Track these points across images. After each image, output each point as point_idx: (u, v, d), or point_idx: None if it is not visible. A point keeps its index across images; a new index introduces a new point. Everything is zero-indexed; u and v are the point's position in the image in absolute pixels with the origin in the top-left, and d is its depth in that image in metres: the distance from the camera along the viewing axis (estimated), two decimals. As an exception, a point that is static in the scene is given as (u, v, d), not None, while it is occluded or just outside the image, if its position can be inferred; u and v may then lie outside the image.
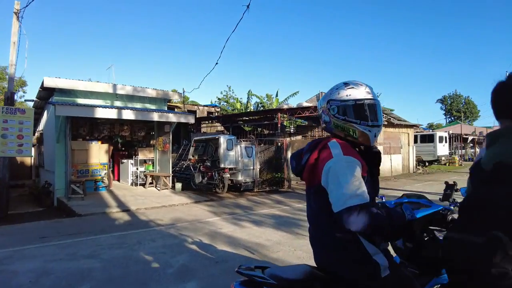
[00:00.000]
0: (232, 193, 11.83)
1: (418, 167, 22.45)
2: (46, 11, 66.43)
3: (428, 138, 24.73)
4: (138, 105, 11.67)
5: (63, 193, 9.90)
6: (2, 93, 29.65)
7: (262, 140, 13.38)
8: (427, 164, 24.52)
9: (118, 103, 11.21)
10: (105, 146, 11.47)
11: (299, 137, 21.41)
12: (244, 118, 22.92)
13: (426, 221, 2.09)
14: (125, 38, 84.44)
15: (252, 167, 11.76)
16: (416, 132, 26.96)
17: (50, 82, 9.47)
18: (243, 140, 12.44)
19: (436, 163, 25.25)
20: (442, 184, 10.74)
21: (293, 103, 23.47)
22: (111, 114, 9.70)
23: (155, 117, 10.67)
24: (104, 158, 11.48)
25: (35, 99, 11.46)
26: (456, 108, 70.91)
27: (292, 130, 22.90)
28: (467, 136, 34.00)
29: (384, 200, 2.35)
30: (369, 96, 1.74)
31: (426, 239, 2.15)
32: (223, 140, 11.05)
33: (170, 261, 4.71)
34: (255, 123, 21.38)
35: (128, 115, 10.06)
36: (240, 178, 11.48)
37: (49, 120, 10.86)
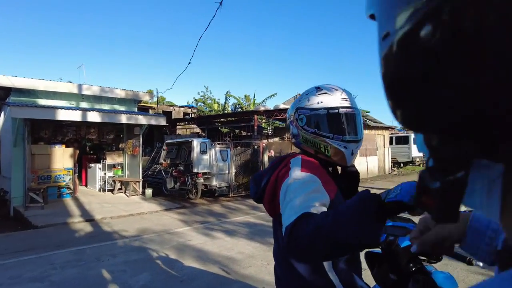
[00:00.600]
0: (206, 198, 11.36)
1: (393, 168, 22.70)
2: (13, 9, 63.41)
3: (403, 140, 25.10)
4: (106, 107, 11.01)
5: (20, 201, 9.12)
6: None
7: (239, 143, 12.98)
8: (402, 165, 24.87)
9: (84, 104, 10.51)
10: (70, 150, 10.71)
11: (276, 139, 21.18)
12: (222, 119, 22.47)
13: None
14: (102, 37, 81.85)
15: (227, 171, 11.33)
16: (392, 134, 27.37)
17: (5, 81, 8.69)
18: (218, 143, 11.97)
19: (411, 164, 25.67)
20: None
21: (270, 104, 23.27)
22: (75, 116, 9.03)
23: (123, 119, 10.06)
24: (69, 163, 10.73)
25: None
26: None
27: (270, 132, 22.65)
28: (439, 138, 34.84)
29: None
30: (346, 104, 1.38)
31: (413, 269, 1.83)
32: (196, 143, 10.56)
33: (129, 282, 4.23)
34: (232, 125, 20.98)
35: (93, 117, 9.40)
36: (214, 183, 11.02)
37: (6, 122, 10.04)
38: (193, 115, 27.84)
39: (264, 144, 12.50)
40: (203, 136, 20.98)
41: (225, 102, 31.01)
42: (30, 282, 4.29)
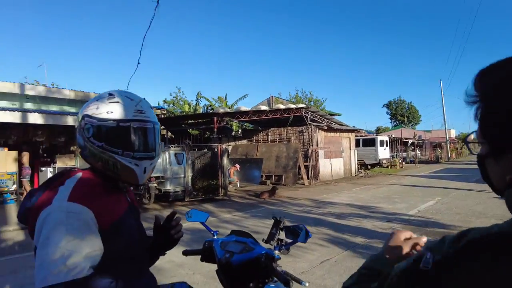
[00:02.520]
0: (161, 203, 11.09)
1: (360, 170, 23.09)
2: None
3: (370, 142, 25.62)
4: (55, 108, 10.57)
5: (-45, 208, 8.59)
6: None
7: (198, 145, 12.77)
8: (369, 167, 25.36)
9: (29, 105, 10.04)
10: (13, 153, 10.19)
11: (244, 141, 21.11)
12: (191, 121, 22.16)
13: (250, 270, 1.66)
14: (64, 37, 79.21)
15: (183, 175, 11.10)
16: (361, 136, 27.87)
17: None
18: (172, 146, 11.71)
19: (378, 166, 26.21)
20: (379, 188, 10.61)
21: (245, 106, 23.15)
22: (13, 118, 8.58)
23: (70, 121, 9.67)
24: (13, 167, 10.20)
25: None
26: (400, 113, 75.28)
27: (240, 134, 22.55)
28: (407, 140, 35.88)
29: (215, 236, 1.90)
30: (140, 116, 1.23)
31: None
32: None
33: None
34: (200, 126, 20.71)
35: (35, 119, 8.97)
36: (168, 187, 10.77)
37: None
38: (162, 117, 27.32)
39: (223, 147, 12.34)
40: (170, 139, 20.62)
41: (196, 104, 30.65)
42: None
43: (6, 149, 10.05)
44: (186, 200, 11.19)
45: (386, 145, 26.78)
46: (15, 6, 69.30)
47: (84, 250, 1.02)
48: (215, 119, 13.66)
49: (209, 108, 29.94)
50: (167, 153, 10.80)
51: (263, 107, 15.37)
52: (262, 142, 19.61)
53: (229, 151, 19.41)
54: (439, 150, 40.92)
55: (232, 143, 20.19)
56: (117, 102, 1.24)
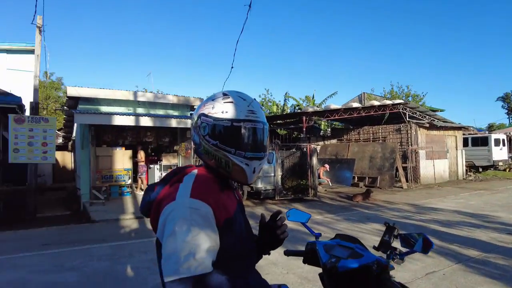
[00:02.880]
0: (253, 200, 11.47)
1: (469, 173, 20.35)
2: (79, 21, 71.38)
3: (481, 141, 22.30)
4: (161, 112, 11.79)
5: (87, 198, 10.24)
6: (58, 102, 32.21)
7: (286, 145, 12.85)
8: (480, 170, 22.15)
9: (140, 110, 11.41)
10: (129, 152, 11.72)
11: (334, 141, 20.53)
12: (278, 121, 22.49)
13: (359, 277, 1.55)
14: (167, 46, 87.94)
15: (273, 174, 11.28)
16: (469, 134, 24.55)
17: (73, 92, 9.85)
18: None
19: (492, 168, 22.72)
20: (494, 194, 9.38)
21: (335, 104, 22.56)
22: (129, 121, 9.85)
23: (173, 123, 10.66)
24: (128, 164, 11.74)
25: (65, 108, 12.06)
26: (522, 107, 64.04)
27: (328, 133, 22.00)
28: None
29: (319, 239, 1.84)
30: (252, 117, 1.25)
31: None
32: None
33: (147, 279, 4.48)
34: (289, 126, 20.85)
35: (146, 122, 10.15)
36: (259, 185, 11.07)
37: (76, 127, 11.37)
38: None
39: (312, 147, 12.15)
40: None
41: (284, 104, 30.97)
42: (67, 271, 4.80)
43: (123, 149, 11.62)
44: (276, 198, 11.35)
45: (503, 145, 22.99)
46: (129, 22, 79.98)
47: (207, 245, 1.05)
48: (304, 118, 13.52)
49: (297, 107, 29.93)
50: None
51: (355, 105, 14.65)
52: (354, 141, 18.76)
53: (318, 151, 19.10)
54: None
55: (321, 143, 19.81)
56: (231, 102, 1.25)
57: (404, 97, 31.69)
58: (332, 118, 14.28)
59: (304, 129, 13.71)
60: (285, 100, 31.14)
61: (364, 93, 32.53)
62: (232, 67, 9.30)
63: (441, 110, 35.41)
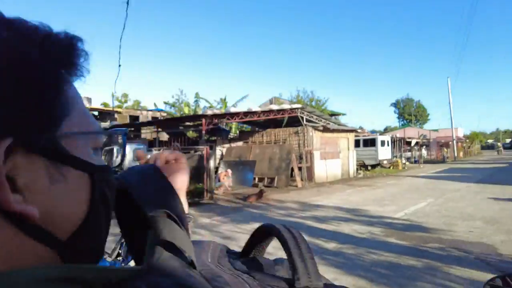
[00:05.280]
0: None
1: (359, 171, 22.67)
2: None
3: (370, 142, 25.15)
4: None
5: None
6: None
7: (184, 148, 12.63)
8: (369, 168, 24.89)
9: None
10: None
11: (240, 143, 20.93)
12: (187, 123, 22.08)
13: None
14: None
15: (166, 178, 10.95)
16: (362, 136, 27.45)
17: None
18: (157, 149, 11.59)
19: (379, 166, 25.72)
20: (374, 190, 10.26)
21: (244, 107, 22.96)
22: None
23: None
24: None
25: None
26: (408, 112, 74.26)
27: (232, 136, 22.38)
28: (411, 139, 35.25)
29: None
30: None
31: None
32: (129, 150, 10.17)
33: None
34: (197, 128, 20.60)
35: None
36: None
37: None
38: (160, 119, 27.37)
39: (209, 149, 12.16)
40: (162, 141, 20.58)
41: (196, 105, 30.63)
42: None
43: None
44: (170, 203, 11.02)
45: (388, 145, 26.26)
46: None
47: None
48: (204, 120, 13.48)
49: (210, 109, 29.93)
50: (149, 155, 10.64)
51: (254, 108, 15.13)
52: (258, 143, 19.39)
53: (223, 154, 19.27)
54: (445, 149, 40.10)
55: (227, 145, 20.02)
56: None
57: (308, 101, 33.98)
58: (233, 120, 14.50)
59: (204, 132, 13.64)
60: (196, 101, 30.83)
61: (274, 97, 34.07)
62: (119, 65, 8.72)
63: (343, 114, 38.91)
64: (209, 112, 14.51)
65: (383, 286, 4.17)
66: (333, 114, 34.24)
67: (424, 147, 40.34)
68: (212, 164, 12.09)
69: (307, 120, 17.95)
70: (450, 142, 41.36)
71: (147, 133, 23.47)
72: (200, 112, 29.30)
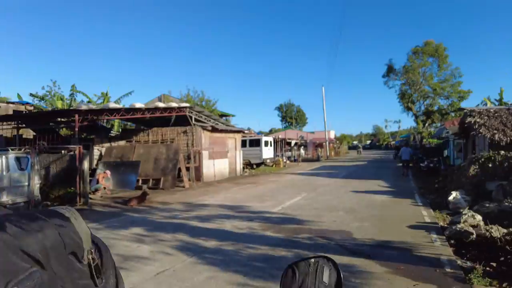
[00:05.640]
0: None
1: (245, 170, 23.64)
2: None
3: (255, 143, 26.54)
4: None
5: None
6: None
7: (53, 147, 11.02)
8: (254, 166, 26.22)
9: None
10: None
11: (123, 142, 19.41)
12: (60, 119, 19.32)
13: None
14: None
15: (26, 183, 9.34)
16: (249, 137, 28.71)
17: None
18: (18, 148, 9.82)
19: (263, 165, 27.32)
20: (257, 187, 10.42)
21: (127, 103, 21.21)
22: None
23: None
24: None
25: None
26: (290, 115, 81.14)
27: (113, 134, 20.69)
28: (291, 140, 38.58)
29: None
30: None
31: None
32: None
33: None
34: (70, 125, 18.20)
35: None
36: (4, 198, 8.89)
37: None
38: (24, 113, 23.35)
39: (83, 149, 10.88)
40: (26, 139, 17.57)
41: (71, 99, 27.18)
42: None
43: None
44: (32, 212, 9.44)
45: (270, 145, 28.14)
46: None
47: None
48: (77, 116, 11.99)
49: (89, 104, 26.91)
50: (3, 156, 8.92)
51: (138, 105, 14.20)
52: (143, 143, 18.32)
53: (102, 154, 17.60)
54: (320, 149, 45.19)
55: (107, 144, 18.36)
56: None
57: (198, 101, 33.88)
58: (113, 117, 13.33)
59: (77, 129, 12.14)
60: (72, 94, 27.39)
61: (163, 94, 32.76)
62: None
63: (232, 115, 39.98)
64: (84, 107, 12.99)
65: (258, 279, 4.38)
66: (223, 115, 34.93)
67: (302, 147, 44.72)
68: (86, 165, 10.85)
69: (196, 120, 17.81)
70: (324, 143, 46.82)
71: (8, 129, 19.68)
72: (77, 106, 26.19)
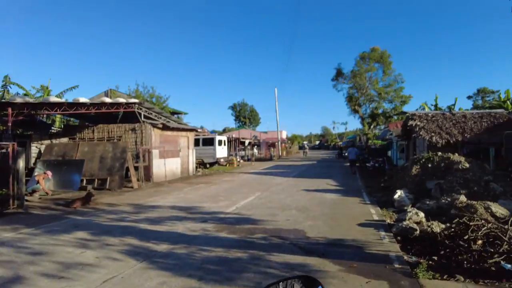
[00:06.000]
0: None
1: (198, 169, 23.20)
2: None
3: (208, 142, 26.15)
4: None
5: None
6: None
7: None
8: (208, 166, 25.84)
9: None
10: None
11: (65, 139, 18.00)
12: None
13: None
14: None
15: None
16: (202, 135, 28.19)
17: None
18: None
19: (216, 164, 27.03)
20: (210, 186, 10.15)
21: (71, 98, 19.59)
22: None
23: None
24: None
25: None
26: (243, 115, 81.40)
27: (53, 130, 19.15)
28: (244, 140, 38.66)
29: None
30: None
31: None
32: None
33: None
34: (2, 120, 16.43)
35: None
36: None
37: None
38: None
39: (18, 148, 9.84)
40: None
41: (4, 91, 24.61)
42: None
43: None
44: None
45: (224, 144, 27.92)
46: None
47: None
48: (10, 110, 10.81)
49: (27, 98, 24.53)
50: None
51: (82, 99, 13.19)
52: (88, 140, 17.14)
53: (42, 151, 16.18)
54: (272, 149, 45.87)
55: (47, 142, 16.91)
56: None
57: (148, 97, 32.58)
58: (52, 112, 12.24)
59: (10, 124, 10.96)
60: (5, 86, 24.81)
61: (110, 89, 31.01)
62: None
63: (185, 113, 39.02)
64: (19, 100, 11.76)
65: (213, 283, 4.23)
66: (175, 113, 33.92)
67: (256, 146, 45.07)
68: (22, 164, 9.84)
69: (146, 117, 17.04)
70: (276, 143, 47.61)
71: None
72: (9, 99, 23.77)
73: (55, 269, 4.73)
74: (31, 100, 12.55)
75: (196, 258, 5.15)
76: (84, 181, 14.28)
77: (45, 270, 4.71)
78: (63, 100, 13.12)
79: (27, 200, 10.73)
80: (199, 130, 27.13)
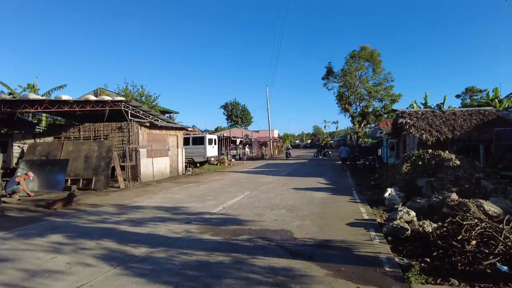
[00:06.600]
0: None
1: (188, 168, 22.81)
2: None
3: (199, 141, 25.76)
4: None
5: None
6: None
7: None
8: (198, 165, 25.45)
9: None
10: None
11: (50, 139, 17.47)
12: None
13: None
14: None
15: None
16: (193, 134, 27.78)
17: None
18: None
19: (207, 163, 26.65)
20: (199, 186, 9.71)
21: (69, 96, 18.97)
22: None
23: None
24: None
25: None
26: (235, 114, 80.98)
27: (39, 129, 18.57)
28: (236, 139, 38.32)
29: None
30: None
31: None
32: None
33: None
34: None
35: None
36: None
37: None
38: None
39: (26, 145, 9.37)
40: None
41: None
42: None
43: None
44: None
45: (215, 143, 27.55)
46: None
47: None
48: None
49: (11, 96, 23.85)
50: None
51: (65, 97, 12.72)
52: (74, 139, 16.65)
53: (24, 151, 15.65)
54: (264, 147, 45.61)
55: (30, 141, 16.38)
56: None
57: (138, 96, 32.05)
58: (33, 110, 11.76)
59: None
60: (-13, 85, 24.09)
61: (99, 88, 30.40)
62: None
63: (176, 112, 38.54)
64: (3, 96, 11.26)
65: (190, 289, 3.92)
66: (165, 112, 33.42)
67: (247, 145, 44.71)
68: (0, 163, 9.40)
69: (133, 115, 16.61)
70: (268, 142, 47.35)
71: None
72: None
73: (18, 277, 4.36)
74: (8, 97, 12.03)
75: (175, 263, 4.83)
76: (69, 181, 13.83)
77: (7, 279, 4.33)
78: (43, 97, 12.60)
79: (4, 202, 10.30)
80: (190, 129, 26.72)
